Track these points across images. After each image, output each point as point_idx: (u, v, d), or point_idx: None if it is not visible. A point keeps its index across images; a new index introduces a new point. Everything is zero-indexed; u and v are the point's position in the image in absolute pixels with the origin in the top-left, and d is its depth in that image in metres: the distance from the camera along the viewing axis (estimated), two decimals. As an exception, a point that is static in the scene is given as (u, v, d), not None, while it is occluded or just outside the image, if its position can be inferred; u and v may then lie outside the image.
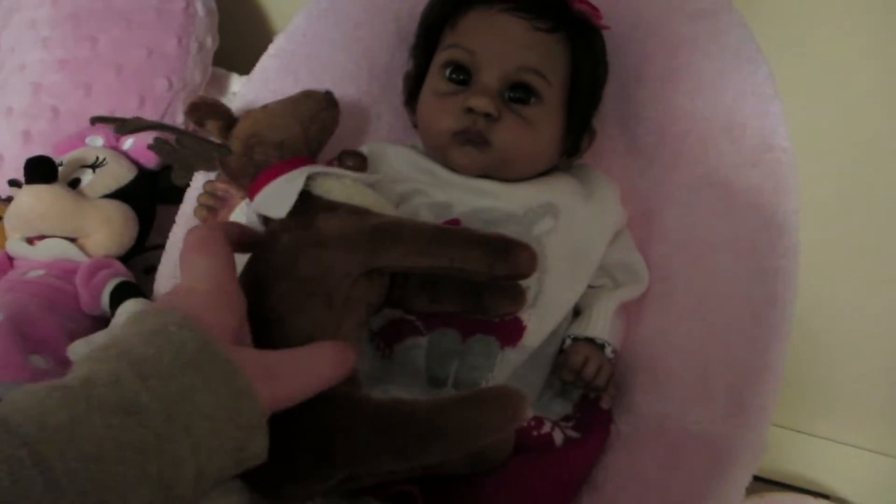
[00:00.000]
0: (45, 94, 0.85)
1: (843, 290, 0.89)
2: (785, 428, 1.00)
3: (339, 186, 0.48)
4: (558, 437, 0.56)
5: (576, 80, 0.63)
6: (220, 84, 0.94)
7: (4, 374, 0.62)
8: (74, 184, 0.75)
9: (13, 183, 0.75)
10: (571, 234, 0.61)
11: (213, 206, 0.67)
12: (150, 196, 0.79)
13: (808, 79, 0.79)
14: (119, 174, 0.77)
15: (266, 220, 0.49)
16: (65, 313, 0.69)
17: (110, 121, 0.47)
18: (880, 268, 0.87)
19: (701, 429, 0.57)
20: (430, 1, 0.67)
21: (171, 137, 0.54)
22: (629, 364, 0.63)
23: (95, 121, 0.48)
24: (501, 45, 0.60)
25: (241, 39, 0.94)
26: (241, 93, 0.71)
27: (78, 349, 0.63)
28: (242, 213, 0.65)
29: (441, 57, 0.63)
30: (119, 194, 0.76)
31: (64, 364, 0.64)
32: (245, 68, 0.76)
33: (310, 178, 0.47)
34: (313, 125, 0.52)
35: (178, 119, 0.87)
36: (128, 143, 0.80)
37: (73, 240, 0.74)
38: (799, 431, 1.00)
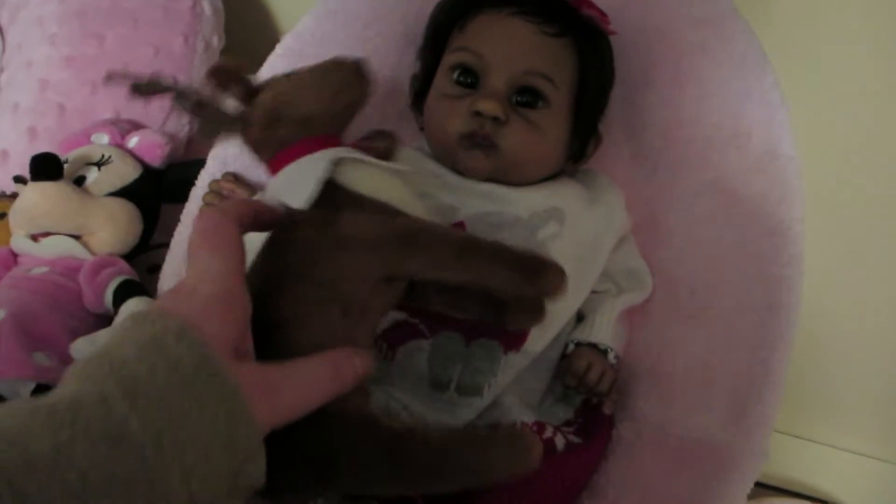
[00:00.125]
0: (52, 90, 0.85)
1: (843, 296, 0.89)
2: (784, 433, 1.00)
3: (365, 177, 0.44)
4: (560, 442, 0.56)
5: (583, 84, 0.63)
6: (225, 83, 0.94)
7: (8, 371, 0.62)
8: (79, 181, 0.75)
9: (18, 179, 0.75)
10: (576, 239, 0.61)
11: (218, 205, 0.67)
12: (154, 194, 0.79)
13: (813, 86, 0.79)
14: (124, 172, 0.77)
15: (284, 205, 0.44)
16: (68, 311, 0.69)
17: (126, 79, 0.44)
18: (879, 273, 0.87)
19: (702, 435, 0.57)
20: (438, 3, 0.67)
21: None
22: (631, 370, 0.63)
23: (111, 77, 0.45)
24: (509, 48, 0.60)
25: (247, 38, 0.94)
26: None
27: (81, 347, 0.64)
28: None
29: (449, 59, 0.63)
30: (124, 192, 0.76)
31: (67, 361, 0.64)
32: (251, 67, 0.75)
33: (333, 163, 0.43)
34: (341, 99, 0.46)
35: (183, 114, 0.87)
36: (133, 141, 0.80)
37: (77, 237, 0.74)
38: (798, 437, 1.00)
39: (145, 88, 0.45)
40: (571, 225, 0.61)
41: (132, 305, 0.68)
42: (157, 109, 0.86)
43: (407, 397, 0.55)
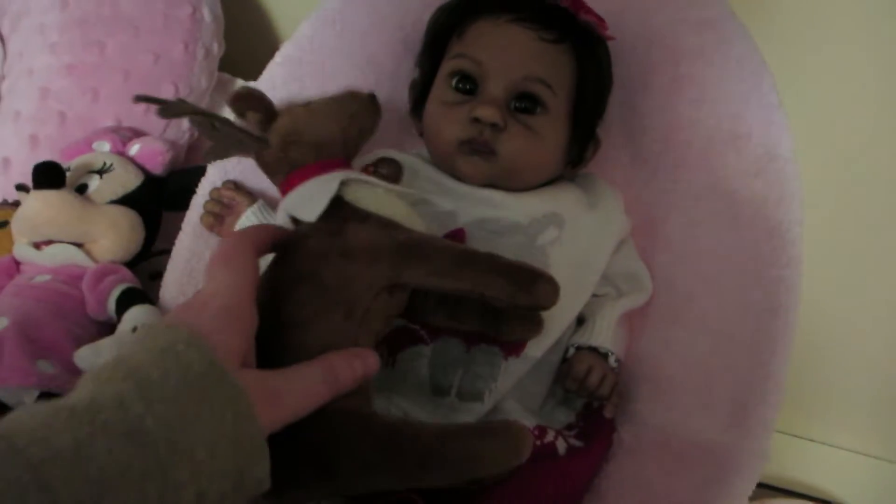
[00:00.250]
0: (53, 98, 0.85)
1: (842, 297, 0.89)
2: (784, 433, 1.00)
3: (371, 195, 0.48)
4: (561, 445, 0.56)
5: (581, 89, 0.64)
6: (225, 90, 0.94)
7: (11, 379, 0.62)
8: (82, 189, 0.76)
9: (21, 188, 0.76)
10: (576, 243, 0.61)
11: (219, 213, 0.68)
12: (156, 202, 0.80)
13: (811, 88, 0.79)
14: (126, 180, 0.77)
15: (295, 220, 0.49)
16: (71, 318, 0.69)
17: (154, 101, 0.46)
18: (879, 273, 0.87)
19: (703, 438, 0.58)
20: (436, 10, 0.67)
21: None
22: (632, 373, 0.63)
23: (139, 99, 0.48)
24: (508, 55, 0.60)
25: (246, 45, 0.94)
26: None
27: (84, 355, 0.64)
28: (248, 220, 0.66)
29: (448, 66, 0.63)
30: (126, 200, 0.77)
31: (70, 369, 0.65)
32: (250, 74, 0.76)
33: (342, 183, 0.47)
34: (353, 128, 0.51)
35: (184, 122, 0.87)
36: (134, 148, 0.81)
37: (79, 245, 0.74)
38: (798, 436, 1.00)
39: (172, 110, 0.48)
40: (571, 229, 0.61)
41: (135, 313, 0.69)
42: (157, 117, 0.86)
43: (408, 403, 0.55)
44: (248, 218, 0.66)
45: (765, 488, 1.00)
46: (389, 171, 0.52)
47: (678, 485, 0.57)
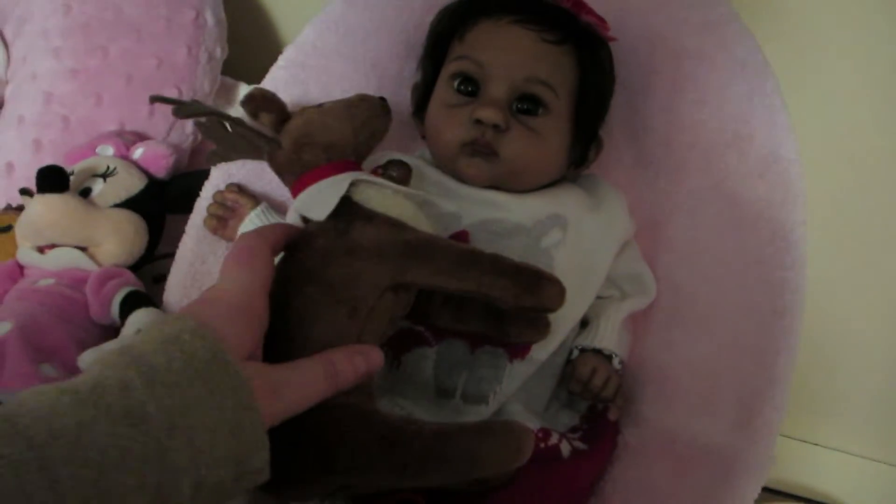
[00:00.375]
0: (57, 103, 0.85)
1: (846, 298, 0.89)
2: (790, 437, 0.99)
3: (379, 196, 0.48)
4: (565, 448, 0.56)
5: (583, 91, 0.64)
6: (228, 93, 0.94)
7: (15, 383, 0.62)
8: (85, 193, 0.76)
9: (25, 192, 0.76)
10: (580, 245, 0.61)
11: (222, 216, 0.68)
12: (159, 205, 0.80)
13: (814, 89, 0.79)
14: (129, 184, 0.78)
15: (306, 220, 0.49)
16: (75, 322, 0.69)
17: (169, 101, 0.47)
18: (883, 276, 0.87)
19: (708, 441, 0.57)
20: (438, 13, 0.68)
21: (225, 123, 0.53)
22: (636, 375, 0.63)
23: (154, 100, 0.49)
24: (510, 56, 0.60)
25: (249, 49, 0.94)
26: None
27: (88, 359, 0.64)
28: (252, 223, 0.66)
29: (449, 68, 0.63)
30: (129, 204, 0.77)
31: (74, 373, 0.64)
32: (253, 78, 0.76)
33: (352, 184, 0.48)
34: (364, 131, 0.52)
35: (188, 126, 0.88)
36: (138, 152, 0.81)
37: (83, 249, 0.74)
38: (804, 441, 0.99)
39: (187, 110, 0.49)
40: (574, 231, 0.61)
41: (139, 316, 0.69)
42: (160, 121, 0.86)
43: (412, 405, 0.55)
44: (252, 221, 0.66)
45: (769, 492, 0.99)
46: (399, 172, 0.52)
47: (683, 488, 0.56)
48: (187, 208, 0.71)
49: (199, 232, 0.69)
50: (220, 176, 0.70)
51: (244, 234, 0.44)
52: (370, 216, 0.47)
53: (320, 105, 0.52)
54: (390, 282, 0.45)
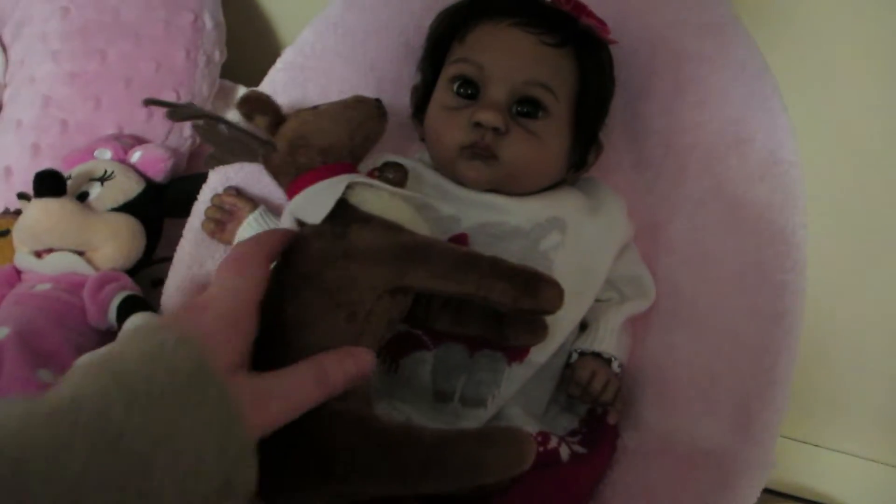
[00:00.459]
0: (55, 107, 0.85)
1: (847, 301, 0.89)
2: (791, 439, 0.99)
3: (375, 199, 0.48)
4: (564, 452, 0.56)
5: (583, 94, 0.63)
6: (227, 96, 0.94)
7: (12, 388, 0.62)
8: (83, 197, 0.75)
9: (22, 196, 0.76)
10: (579, 248, 0.61)
11: (220, 219, 0.68)
12: (157, 209, 0.79)
13: (814, 92, 0.79)
14: (127, 187, 0.77)
15: (301, 223, 0.49)
16: (72, 327, 0.69)
17: (163, 104, 0.47)
18: (884, 278, 0.87)
19: (708, 444, 0.57)
20: (438, 15, 0.67)
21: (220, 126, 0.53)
22: (636, 379, 0.63)
23: (148, 103, 0.49)
24: (509, 59, 0.60)
25: (248, 52, 0.94)
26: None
27: (85, 363, 0.64)
28: (250, 226, 0.66)
29: (449, 71, 0.63)
30: (127, 207, 0.76)
31: (72, 377, 0.64)
32: (252, 81, 0.76)
33: (348, 186, 0.47)
34: (360, 133, 0.52)
35: (186, 129, 0.88)
36: (136, 156, 0.81)
37: (81, 253, 0.74)
38: (805, 442, 0.99)
39: (181, 113, 0.48)
40: (574, 235, 0.61)
41: (136, 321, 0.68)
42: (159, 124, 0.86)
43: (411, 409, 0.55)
44: (250, 224, 0.65)
45: (770, 494, 0.99)
46: (395, 175, 0.52)
47: (683, 491, 0.56)
48: (185, 212, 0.70)
49: (197, 236, 0.69)
50: (218, 179, 0.70)
51: (241, 241, 0.43)
52: (367, 219, 0.47)
53: (316, 107, 0.52)
54: (388, 285, 0.44)
